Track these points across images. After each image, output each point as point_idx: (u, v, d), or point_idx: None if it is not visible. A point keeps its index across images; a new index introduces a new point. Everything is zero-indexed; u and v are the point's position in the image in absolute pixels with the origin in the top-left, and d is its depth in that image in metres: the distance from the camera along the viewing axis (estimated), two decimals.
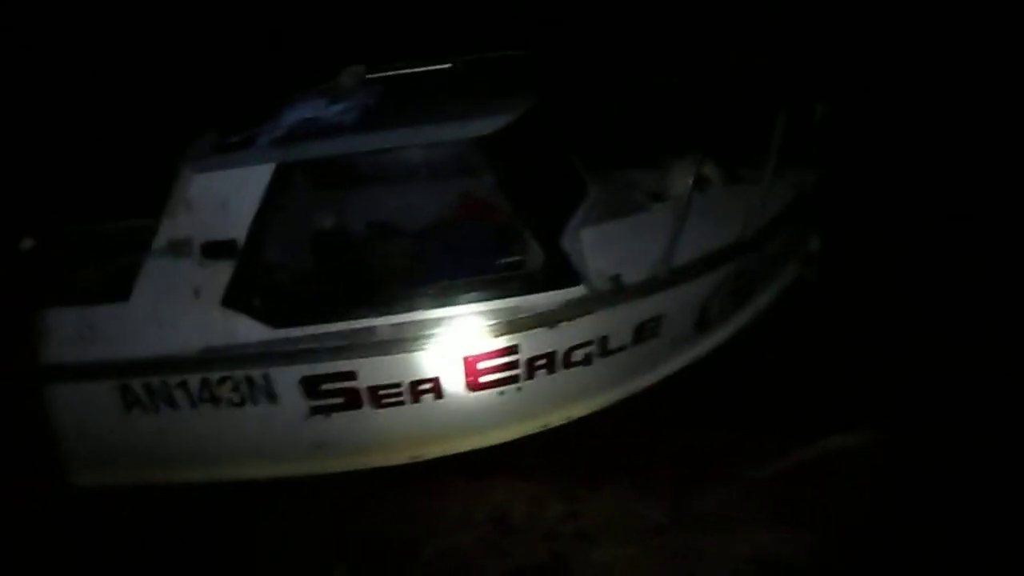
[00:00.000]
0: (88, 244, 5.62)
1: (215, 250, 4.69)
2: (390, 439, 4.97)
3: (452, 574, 4.51)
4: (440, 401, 4.83)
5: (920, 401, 5.31)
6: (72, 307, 4.84)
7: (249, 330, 4.72)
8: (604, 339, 4.91)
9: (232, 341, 4.71)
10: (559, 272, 4.81)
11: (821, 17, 9.61)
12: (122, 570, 4.77)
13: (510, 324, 4.72)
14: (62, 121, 9.53)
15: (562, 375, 4.90)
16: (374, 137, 4.84)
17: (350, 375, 4.72)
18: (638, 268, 4.89)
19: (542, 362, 4.83)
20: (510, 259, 4.94)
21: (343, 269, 5.10)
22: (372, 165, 5.14)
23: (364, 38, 9.21)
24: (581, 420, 5.12)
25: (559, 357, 4.85)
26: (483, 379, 4.81)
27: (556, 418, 5.08)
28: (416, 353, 4.73)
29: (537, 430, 5.06)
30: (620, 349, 4.98)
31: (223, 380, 4.73)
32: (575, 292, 4.79)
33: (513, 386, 4.86)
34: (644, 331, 5.00)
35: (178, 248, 4.70)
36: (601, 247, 4.95)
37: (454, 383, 4.80)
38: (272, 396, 4.76)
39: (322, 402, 4.78)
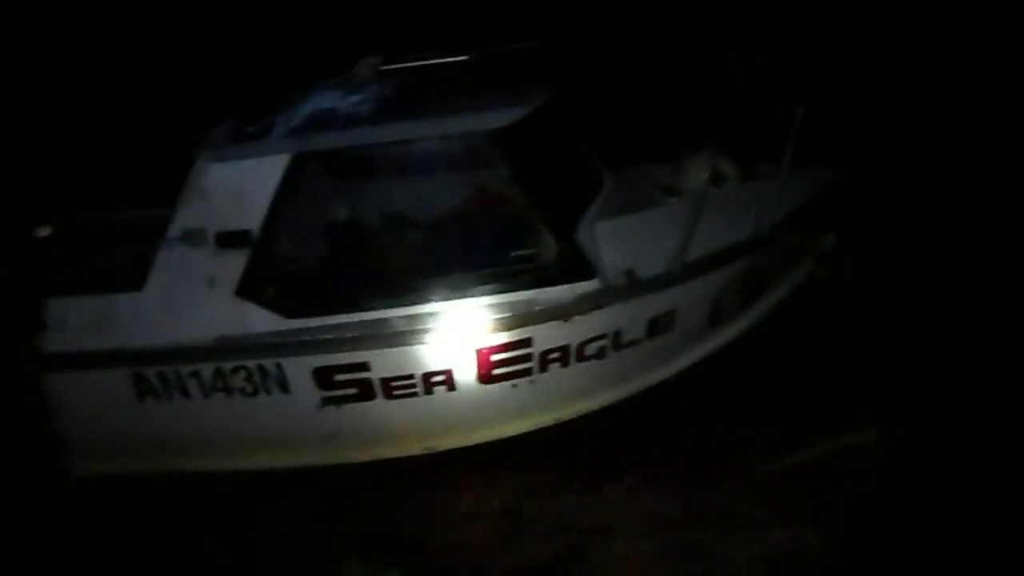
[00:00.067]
0: (103, 233, 5.63)
1: (229, 240, 4.69)
2: (402, 431, 4.97)
3: (464, 566, 4.49)
4: (453, 393, 4.82)
5: (924, 401, 5.28)
6: (86, 295, 4.86)
7: (262, 320, 4.72)
8: (618, 333, 4.90)
9: (245, 331, 4.72)
10: (573, 265, 4.80)
11: (821, 17, 9.60)
12: (131, 560, 4.77)
13: (524, 317, 4.71)
14: (76, 112, 9.56)
15: (575, 368, 4.89)
16: (389, 128, 4.84)
17: (363, 366, 4.71)
18: (652, 262, 4.88)
19: (555, 355, 4.82)
20: (524, 252, 4.94)
21: (357, 260, 5.12)
22: (387, 156, 5.15)
23: (367, 35, 9.20)
24: (593, 414, 5.11)
25: (572, 350, 4.84)
26: (496, 372, 4.80)
27: (569, 412, 5.06)
28: (429, 345, 4.72)
29: (550, 423, 5.05)
30: (633, 343, 4.97)
31: (236, 370, 4.74)
32: (589, 286, 4.78)
33: (526, 379, 4.85)
34: (658, 325, 4.99)
35: (192, 237, 4.71)
36: (616, 241, 4.95)
37: (467, 375, 4.79)
38: (285, 386, 4.76)
39: (334, 393, 4.78)
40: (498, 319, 4.71)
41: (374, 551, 4.30)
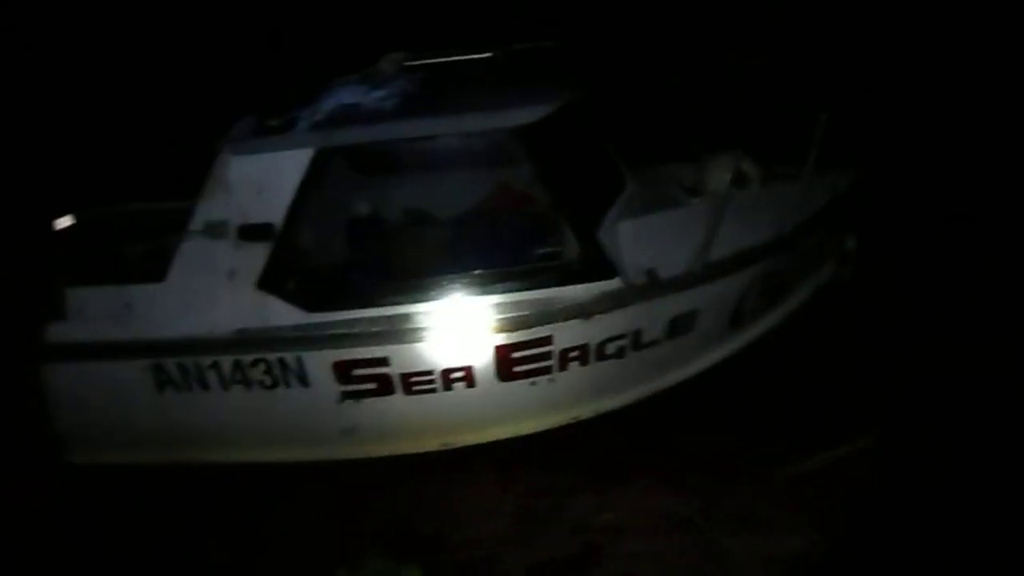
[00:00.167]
0: (124, 224, 5.64)
1: (252, 233, 4.70)
2: (420, 426, 4.97)
3: (481, 563, 4.50)
4: (472, 390, 4.82)
5: (934, 405, 5.26)
6: (108, 286, 4.88)
7: (283, 313, 4.73)
8: (638, 333, 4.89)
9: (266, 324, 4.74)
10: (595, 264, 4.80)
11: (821, 17, 9.57)
12: (147, 553, 4.80)
13: (544, 315, 4.71)
14: (99, 106, 9.61)
15: (595, 367, 4.89)
16: (413, 124, 4.85)
17: (383, 361, 4.72)
18: (674, 263, 4.88)
19: (575, 354, 4.82)
20: (546, 250, 4.95)
21: (378, 255, 5.12)
22: (410, 152, 5.16)
23: (366, 35, 9.22)
24: (611, 414, 5.11)
25: (592, 349, 4.83)
26: (515, 369, 4.80)
27: (587, 411, 5.06)
28: (449, 341, 4.72)
29: (568, 422, 5.05)
30: (653, 343, 4.97)
31: (256, 362, 4.75)
32: (610, 285, 4.77)
33: (545, 377, 4.84)
34: (678, 326, 4.99)
35: (215, 230, 4.72)
36: (637, 241, 4.94)
37: (486, 372, 4.79)
38: (304, 380, 4.77)
39: (354, 387, 4.79)
40: (518, 317, 4.71)
41: (392, 547, 4.30)
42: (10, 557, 4.75)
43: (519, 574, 4.44)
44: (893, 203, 6.83)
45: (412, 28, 9.82)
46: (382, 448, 4.99)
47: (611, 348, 4.87)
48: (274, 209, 4.70)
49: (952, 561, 4.20)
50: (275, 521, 4.91)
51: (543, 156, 4.82)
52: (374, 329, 4.70)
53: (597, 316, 4.75)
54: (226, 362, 4.76)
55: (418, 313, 4.72)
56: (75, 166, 8.50)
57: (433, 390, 4.81)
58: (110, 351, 4.79)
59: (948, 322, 5.98)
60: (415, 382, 4.78)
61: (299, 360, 4.72)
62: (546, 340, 4.75)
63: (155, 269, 4.85)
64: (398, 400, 4.82)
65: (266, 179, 4.71)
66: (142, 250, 5.35)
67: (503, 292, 4.74)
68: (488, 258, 4.92)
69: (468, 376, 4.79)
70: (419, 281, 4.82)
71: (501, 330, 4.72)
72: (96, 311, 4.82)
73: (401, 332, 4.70)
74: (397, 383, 4.77)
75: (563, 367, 4.84)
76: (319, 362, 4.73)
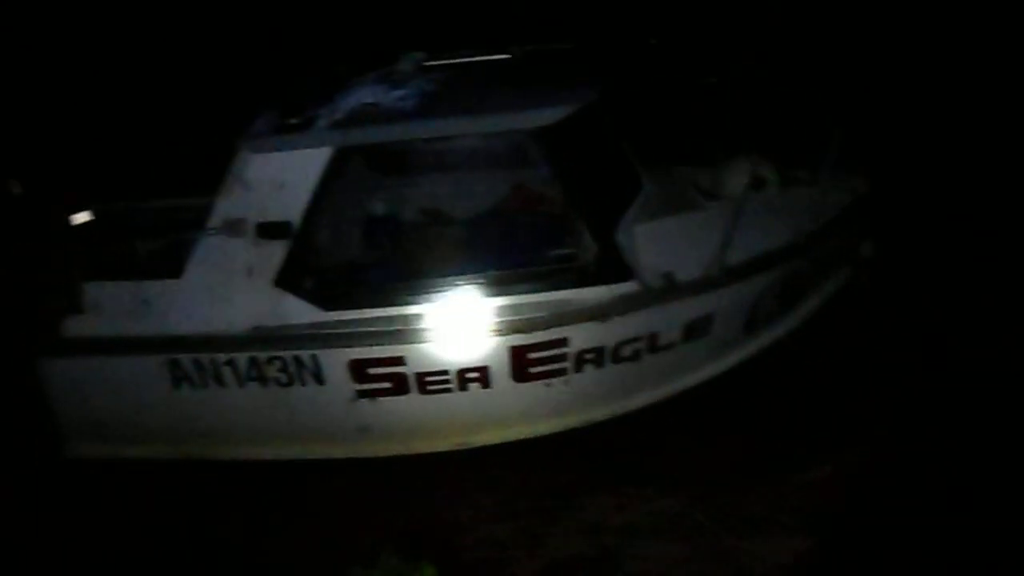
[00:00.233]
0: (142, 220, 5.66)
1: (270, 230, 4.70)
2: (435, 426, 4.98)
3: (494, 563, 4.51)
4: (487, 390, 4.82)
5: (941, 408, 5.26)
6: (125, 281, 4.89)
7: (300, 311, 4.74)
8: (653, 336, 4.89)
9: (282, 321, 4.74)
10: (611, 267, 4.79)
11: (821, 17, 9.53)
12: (160, 550, 4.82)
13: (560, 317, 4.70)
14: (115, 102, 9.63)
15: (610, 370, 4.88)
16: (432, 124, 4.84)
17: (398, 360, 4.72)
18: (691, 266, 4.88)
19: (591, 356, 4.82)
20: (562, 252, 4.94)
21: (395, 255, 5.13)
22: (428, 152, 5.17)
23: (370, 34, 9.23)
24: (625, 416, 5.10)
25: (608, 352, 4.83)
26: (531, 370, 4.80)
27: (602, 413, 5.06)
28: (465, 342, 4.72)
29: (582, 424, 5.04)
30: (669, 347, 4.96)
31: (271, 360, 4.75)
32: (627, 287, 4.77)
33: (561, 379, 4.84)
34: (694, 330, 4.98)
35: (233, 227, 4.72)
36: (654, 243, 4.93)
37: (502, 373, 4.79)
38: (320, 378, 4.78)
39: (369, 386, 4.79)
40: (534, 318, 4.70)
41: (406, 546, 4.31)
42: (10, 557, 4.76)
43: (532, 574, 4.44)
44: (900, 207, 6.84)
45: (429, 27, 9.81)
46: (397, 447, 5.00)
47: (627, 351, 4.86)
48: (292, 207, 4.69)
49: (956, 564, 4.19)
50: (289, 519, 4.92)
51: (561, 158, 4.81)
52: (390, 328, 4.70)
53: (613, 319, 4.74)
54: (242, 359, 4.76)
55: (434, 313, 4.73)
56: (78, 166, 8.50)
57: (448, 390, 4.81)
58: (127, 346, 4.80)
59: (955, 326, 5.97)
60: (430, 382, 4.78)
61: (315, 358, 4.73)
62: (562, 342, 4.74)
63: (173, 265, 4.86)
64: (413, 399, 4.82)
65: (285, 177, 4.71)
66: (160, 246, 5.36)
67: (519, 293, 4.74)
68: (504, 259, 4.92)
69: (483, 376, 4.79)
70: (435, 281, 4.81)
71: (517, 331, 4.70)
72: (114, 306, 4.82)
73: (417, 332, 4.70)
74: (412, 382, 4.77)
75: (578, 369, 4.84)
76: (335, 360, 4.73)
